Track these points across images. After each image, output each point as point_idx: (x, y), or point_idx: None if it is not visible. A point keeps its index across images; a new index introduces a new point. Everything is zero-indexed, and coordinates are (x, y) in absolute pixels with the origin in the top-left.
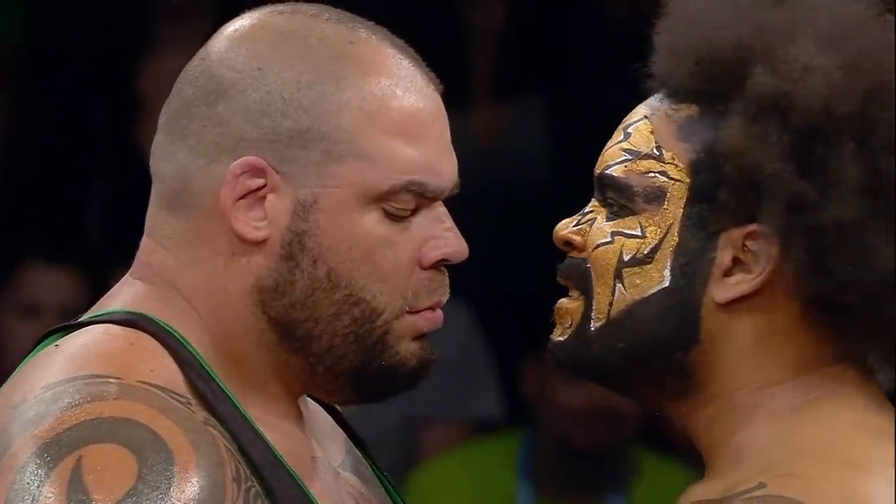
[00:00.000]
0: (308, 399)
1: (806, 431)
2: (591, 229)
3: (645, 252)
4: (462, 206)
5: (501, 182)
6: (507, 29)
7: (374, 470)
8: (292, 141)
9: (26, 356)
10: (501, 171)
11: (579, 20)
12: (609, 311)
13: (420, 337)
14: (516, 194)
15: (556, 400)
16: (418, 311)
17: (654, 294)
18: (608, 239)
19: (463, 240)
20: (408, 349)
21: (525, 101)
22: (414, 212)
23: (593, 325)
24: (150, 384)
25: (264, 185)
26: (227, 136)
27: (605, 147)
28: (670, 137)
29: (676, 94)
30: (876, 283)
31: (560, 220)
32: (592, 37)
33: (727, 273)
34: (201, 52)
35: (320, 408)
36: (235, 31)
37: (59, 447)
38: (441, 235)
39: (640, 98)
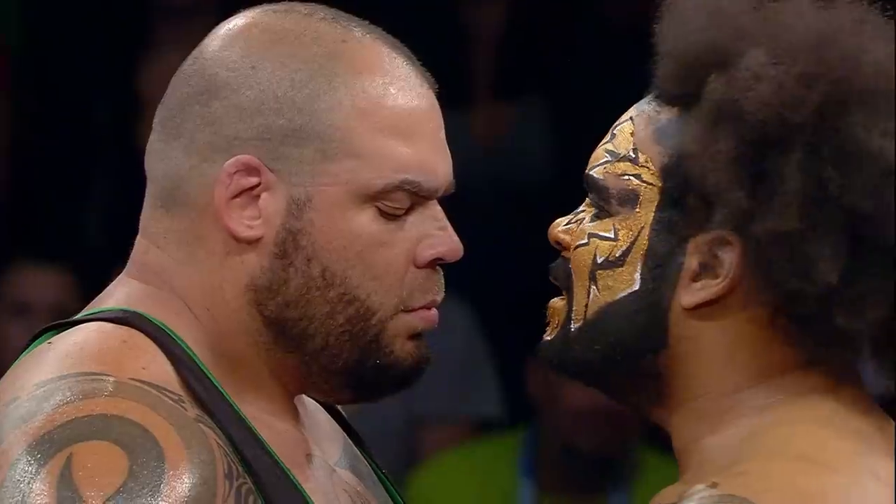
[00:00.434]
0: (306, 398)
1: (765, 431)
2: (577, 230)
3: (617, 255)
4: (462, 206)
5: (501, 182)
6: (507, 29)
7: (374, 469)
8: (286, 139)
9: (20, 354)
10: (501, 171)
11: (579, 20)
12: (586, 312)
13: (416, 336)
14: (516, 194)
15: (561, 400)
16: (413, 310)
17: (624, 297)
18: (585, 240)
19: (457, 239)
20: (403, 348)
21: (525, 101)
22: (408, 211)
23: (573, 326)
24: (142, 382)
25: (258, 184)
26: (220, 135)
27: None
28: (648, 140)
29: (661, 96)
30: (822, 294)
31: None
32: (592, 37)
33: (695, 278)
34: (195, 52)
35: (319, 407)
36: (229, 30)
37: (50, 444)
38: (435, 234)
39: (640, 98)
